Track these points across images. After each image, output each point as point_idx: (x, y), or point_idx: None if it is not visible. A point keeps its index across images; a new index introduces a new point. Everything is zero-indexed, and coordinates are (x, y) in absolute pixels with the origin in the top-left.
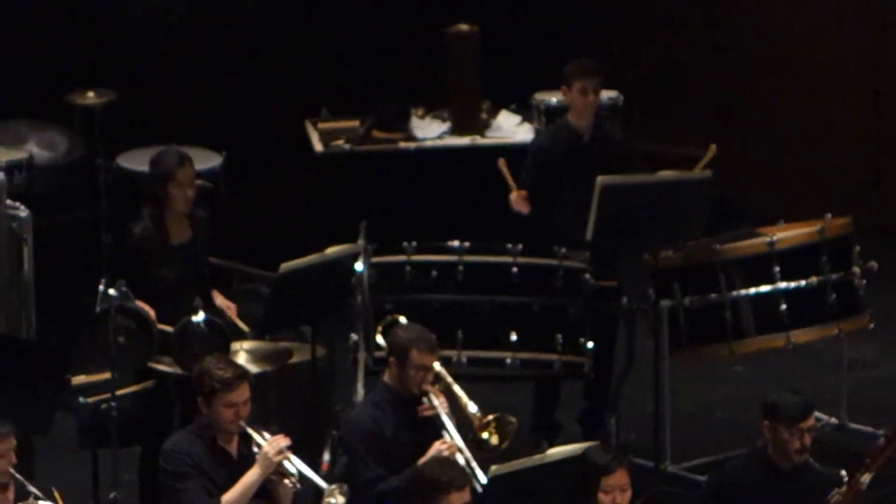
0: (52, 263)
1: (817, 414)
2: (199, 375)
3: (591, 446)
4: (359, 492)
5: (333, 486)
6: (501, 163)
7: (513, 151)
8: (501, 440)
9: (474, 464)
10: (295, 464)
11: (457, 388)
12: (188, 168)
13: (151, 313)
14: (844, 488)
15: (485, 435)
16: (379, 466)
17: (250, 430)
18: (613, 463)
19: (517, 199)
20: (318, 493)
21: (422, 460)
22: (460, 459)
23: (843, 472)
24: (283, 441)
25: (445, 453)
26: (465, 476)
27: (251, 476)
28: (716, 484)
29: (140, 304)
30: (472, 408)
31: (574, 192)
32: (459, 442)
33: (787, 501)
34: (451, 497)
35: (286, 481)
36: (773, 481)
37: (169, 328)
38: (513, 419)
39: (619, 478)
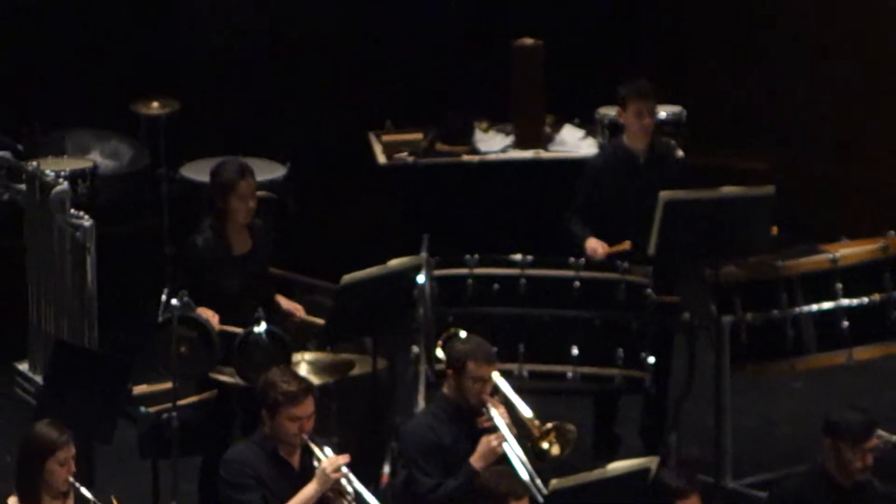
0: (115, 273)
1: (879, 432)
2: (264, 388)
3: (664, 470)
4: (420, 502)
5: None
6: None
7: (575, 166)
8: (562, 449)
9: (535, 475)
10: (353, 483)
11: (515, 399)
12: (249, 179)
13: (215, 319)
14: None
15: (545, 445)
16: (438, 476)
17: (312, 445)
18: (688, 488)
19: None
20: None
21: (473, 456)
22: (522, 473)
23: None
24: (342, 459)
25: (494, 443)
26: (524, 486)
27: (308, 491)
28: (776, 500)
29: (204, 311)
30: (530, 416)
31: (630, 212)
32: (519, 452)
33: None
34: None
35: (343, 500)
36: (834, 499)
37: (237, 329)
38: (572, 427)
39: (692, 503)
